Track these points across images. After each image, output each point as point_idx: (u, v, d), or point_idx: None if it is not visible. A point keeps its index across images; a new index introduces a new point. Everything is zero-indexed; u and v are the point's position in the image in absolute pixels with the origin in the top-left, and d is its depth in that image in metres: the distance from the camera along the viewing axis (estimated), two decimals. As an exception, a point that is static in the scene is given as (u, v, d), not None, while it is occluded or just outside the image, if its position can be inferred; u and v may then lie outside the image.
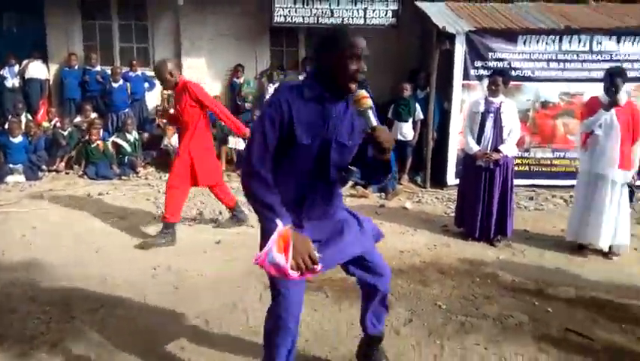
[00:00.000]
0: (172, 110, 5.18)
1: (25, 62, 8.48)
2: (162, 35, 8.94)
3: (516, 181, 6.55)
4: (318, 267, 2.03)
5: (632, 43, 6.71)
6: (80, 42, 8.93)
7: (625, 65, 6.55)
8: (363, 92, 2.01)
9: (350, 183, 5.97)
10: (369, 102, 1.99)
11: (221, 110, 4.76)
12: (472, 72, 6.76)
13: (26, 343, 2.92)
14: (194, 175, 4.59)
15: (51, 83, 8.75)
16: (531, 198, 6.43)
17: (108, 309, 3.33)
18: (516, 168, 6.74)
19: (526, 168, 6.89)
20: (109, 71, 8.36)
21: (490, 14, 7.31)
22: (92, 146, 7.18)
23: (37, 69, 8.51)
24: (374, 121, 1.98)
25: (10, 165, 6.90)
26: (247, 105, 8.61)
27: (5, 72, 8.29)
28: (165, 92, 8.02)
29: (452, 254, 4.54)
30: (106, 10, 8.86)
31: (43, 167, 7.16)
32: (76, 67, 8.51)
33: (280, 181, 2.09)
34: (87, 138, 7.27)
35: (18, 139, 7.12)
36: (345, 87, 2.04)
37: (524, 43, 6.75)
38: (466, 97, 6.59)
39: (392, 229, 5.12)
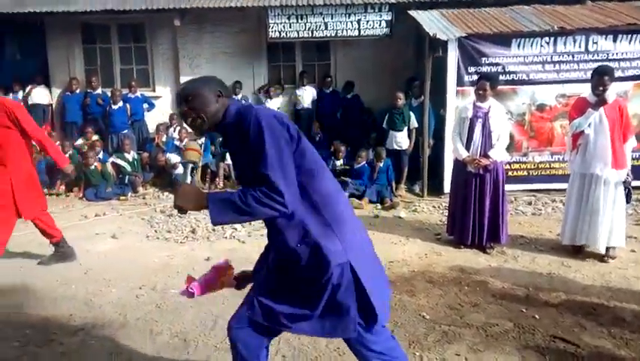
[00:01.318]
0: None
1: (28, 88, 8.71)
2: (161, 56, 9.10)
3: (515, 186, 6.51)
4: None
5: (629, 42, 6.58)
6: (81, 65, 9.15)
7: (622, 64, 6.50)
8: (194, 145, 1.96)
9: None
10: (192, 156, 1.91)
11: (43, 138, 4.30)
12: (466, 78, 6.68)
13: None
14: (16, 206, 4.18)
15: (54, 107, 8.95)
16: (530, 203, 6.30)
17: (88, 331, 3.33)
18: (514, 173, 6.71)
19: (525, 172, 6.76)
20: (109, 94, 8.51)
21: (483, 19, 7.25)
22: (91, 168, 7.26)
23: (40, 95, 8.73)
24: (187, 178, 1.90)
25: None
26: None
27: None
28: None
29: (443, 263, 4.45)
30: (106, 33, 9.07)
31: (44, 190, 7.23)
32: (77, 91, 8.68)
33: None
34: (83, 162, 7.33)
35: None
36: None
37: (518, 46, 6.66)
38: (461, 103, 6.50)
39: (384, 239, 5.05)
